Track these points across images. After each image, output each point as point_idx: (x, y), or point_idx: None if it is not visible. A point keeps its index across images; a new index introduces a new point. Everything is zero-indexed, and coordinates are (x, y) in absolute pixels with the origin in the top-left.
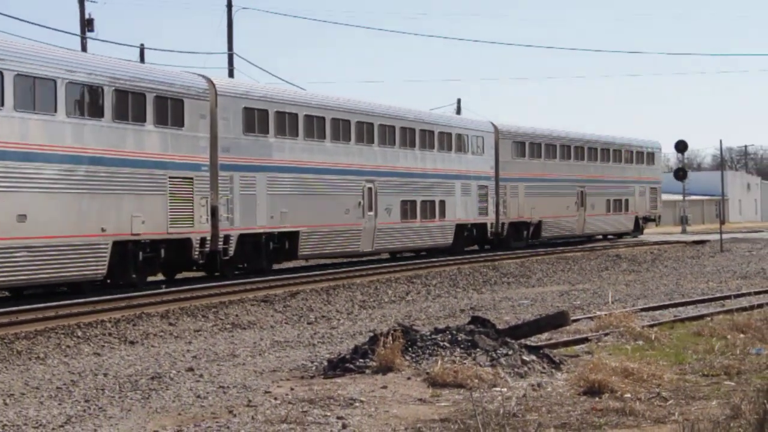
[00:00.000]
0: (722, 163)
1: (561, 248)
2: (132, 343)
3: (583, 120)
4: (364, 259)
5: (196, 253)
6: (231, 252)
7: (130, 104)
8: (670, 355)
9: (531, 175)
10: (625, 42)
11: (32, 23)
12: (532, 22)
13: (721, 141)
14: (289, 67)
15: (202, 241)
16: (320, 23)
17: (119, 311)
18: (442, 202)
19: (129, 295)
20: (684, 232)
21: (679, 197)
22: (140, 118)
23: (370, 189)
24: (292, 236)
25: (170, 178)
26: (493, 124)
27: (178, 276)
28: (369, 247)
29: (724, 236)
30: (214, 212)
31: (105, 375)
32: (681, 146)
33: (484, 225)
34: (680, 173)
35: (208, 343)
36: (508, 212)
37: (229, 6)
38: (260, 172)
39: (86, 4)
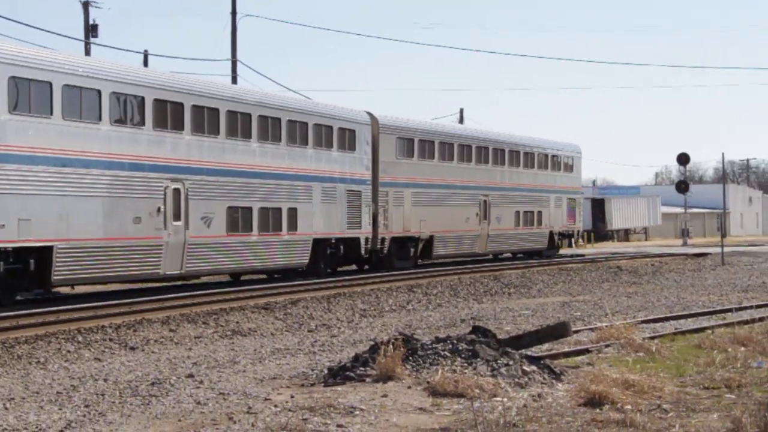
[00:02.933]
0: (724, 176)
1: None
2: (132, 348)
3: (583, 132)
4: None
5: None
6: None
7: None
8: (671, 368)
9: (421, 180)
10: (627, 55)
11: (37, 28)
12: (536, 33)
13: (723, 154)
14: (293, 75)
15: None
16: (324, 31)
17: (120, 317)
18: (293, 211)
19: (130, 300)
20: (685, 244)
21: (681, 210)
22: None
23: (177, 191)
24: (42, 254)
25: None
26: (369, 114)
27: None
28: (176, 268)
29: (726, 249)
30: None
31: (105, 380)
32: (683, 159)
33: (356, 240)
34: (682, 186)
35: (208, 350)
36: (389, 225)
37: (234, 13)
38: None
39: (91, 9)
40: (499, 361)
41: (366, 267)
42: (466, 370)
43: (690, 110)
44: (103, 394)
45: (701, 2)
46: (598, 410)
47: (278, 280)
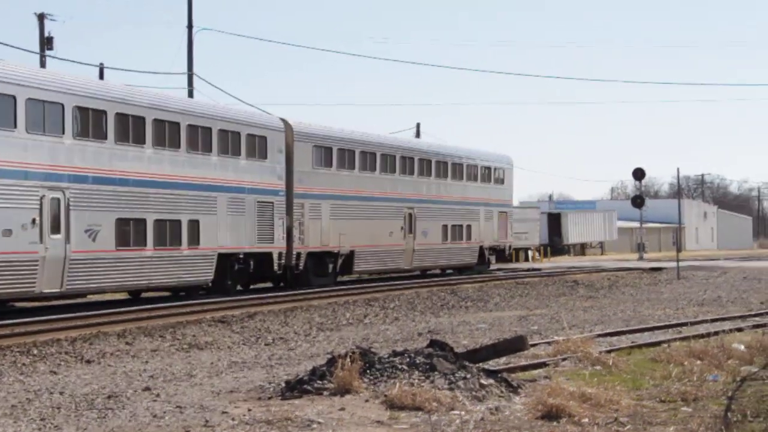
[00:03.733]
0: (679, 191)
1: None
2: (88, 361)
3: (539, 147)
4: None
5: None
6: None
7: None
8: (628, 381)
9: (340, 191)
10: (583, 70)
11: None
12: (496, 47)
13: (678, 170)
14: (251, 89)
15: None
16: (283, 45)
17: (76, 330)
18: (194, 223)
19: (86, 314)
20: (641, 259)
21: (637, 224)
22: None
23: (56, 200)
24: None
25: None
26: (283, 120)
27: None
28: (55, 286)
29: (681, 264)
30: None
31: (61, 393)
32: (639, 174)
33: (268, 255)
34: (638, 201)
35: (165, 363)
36: (306, 239)
37: (190, 27)
38: None
39: (46, 22)
40: (456, 375)
41: (281, 284)
42: (423, 384)
43: (645, 126)
44: (58, 408)
45: (657, 18)
46: (555, 423)
47: (188, 297)
